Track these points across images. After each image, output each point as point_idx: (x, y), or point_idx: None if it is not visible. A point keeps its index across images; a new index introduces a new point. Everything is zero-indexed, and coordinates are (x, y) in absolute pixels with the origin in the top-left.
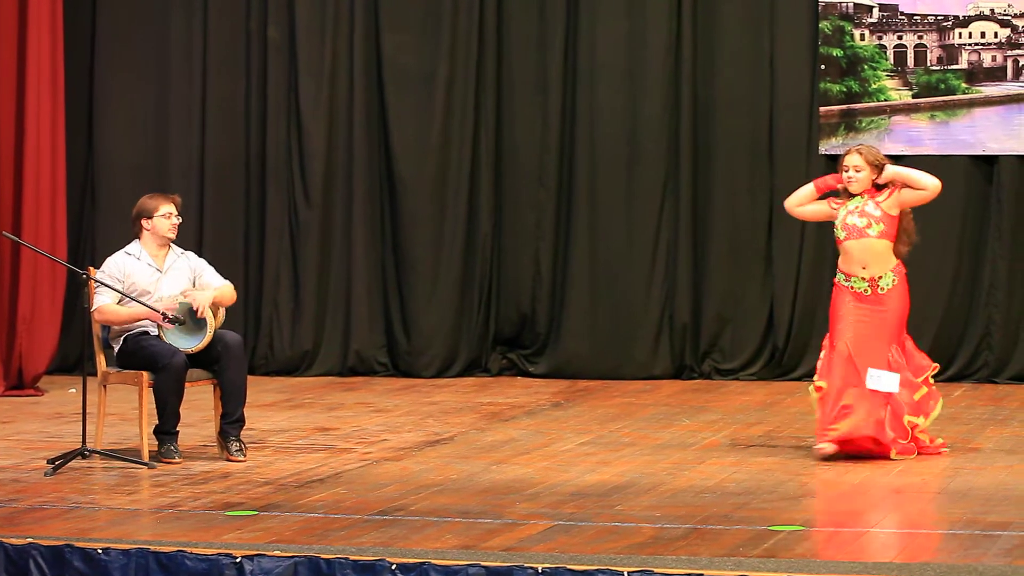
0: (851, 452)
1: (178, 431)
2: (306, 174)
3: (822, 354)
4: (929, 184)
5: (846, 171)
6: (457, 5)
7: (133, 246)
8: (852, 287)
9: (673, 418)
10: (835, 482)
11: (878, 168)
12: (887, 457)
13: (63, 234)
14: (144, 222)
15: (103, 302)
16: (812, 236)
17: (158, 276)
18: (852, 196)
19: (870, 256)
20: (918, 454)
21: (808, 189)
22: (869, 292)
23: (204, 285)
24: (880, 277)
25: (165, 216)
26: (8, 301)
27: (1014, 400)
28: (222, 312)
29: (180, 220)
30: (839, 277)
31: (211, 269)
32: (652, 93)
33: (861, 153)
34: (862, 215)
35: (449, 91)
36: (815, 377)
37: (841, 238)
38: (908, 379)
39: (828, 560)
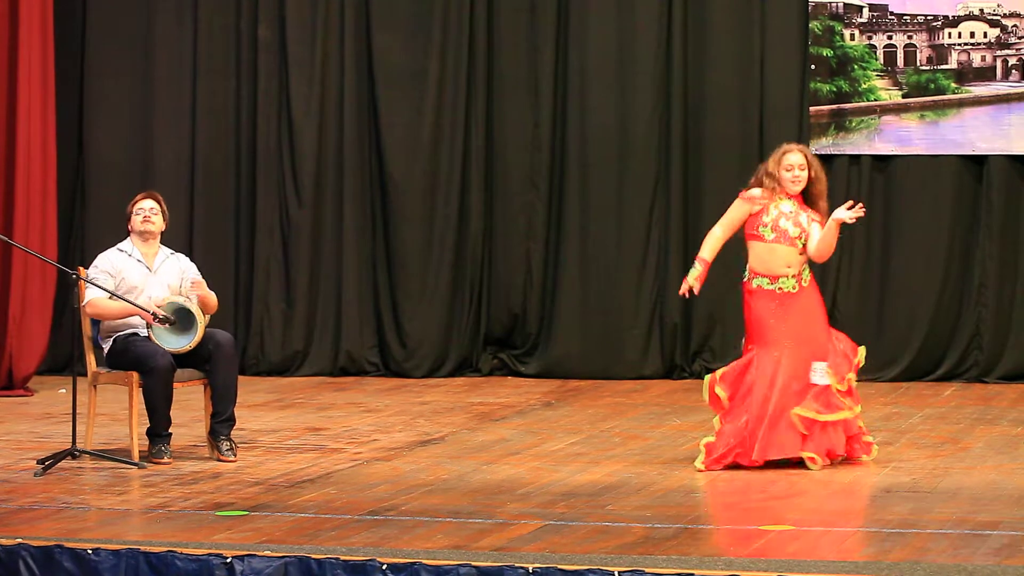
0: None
1: (170, 433)
2: (297, 174)
3: (741, 358)
4: (817, 255)
5: (790, 170)
6: (448, 4)
7: (126, 243)
8: (779, 288)
9: (664, 418)
10: (825, 481)
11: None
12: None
13: (53, 234)
14: (128, 224)
15: (94, 295)
16: None
17: (147, 274)
18: (782, 196)
19: (792, 259)
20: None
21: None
22: (796, 289)
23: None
24: (800, 275)
25: (136, 212)
26: None
27: (1003, 399)
28: (207, 316)
29: (156, 213)
30: (761, 282)
31: (199, 277)
32: (642, 93)
33: (804, 153)
34: (796, 224)
35: (440, 90)
36: (719, 380)
37: (769, 238)
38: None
39: (818, 560)
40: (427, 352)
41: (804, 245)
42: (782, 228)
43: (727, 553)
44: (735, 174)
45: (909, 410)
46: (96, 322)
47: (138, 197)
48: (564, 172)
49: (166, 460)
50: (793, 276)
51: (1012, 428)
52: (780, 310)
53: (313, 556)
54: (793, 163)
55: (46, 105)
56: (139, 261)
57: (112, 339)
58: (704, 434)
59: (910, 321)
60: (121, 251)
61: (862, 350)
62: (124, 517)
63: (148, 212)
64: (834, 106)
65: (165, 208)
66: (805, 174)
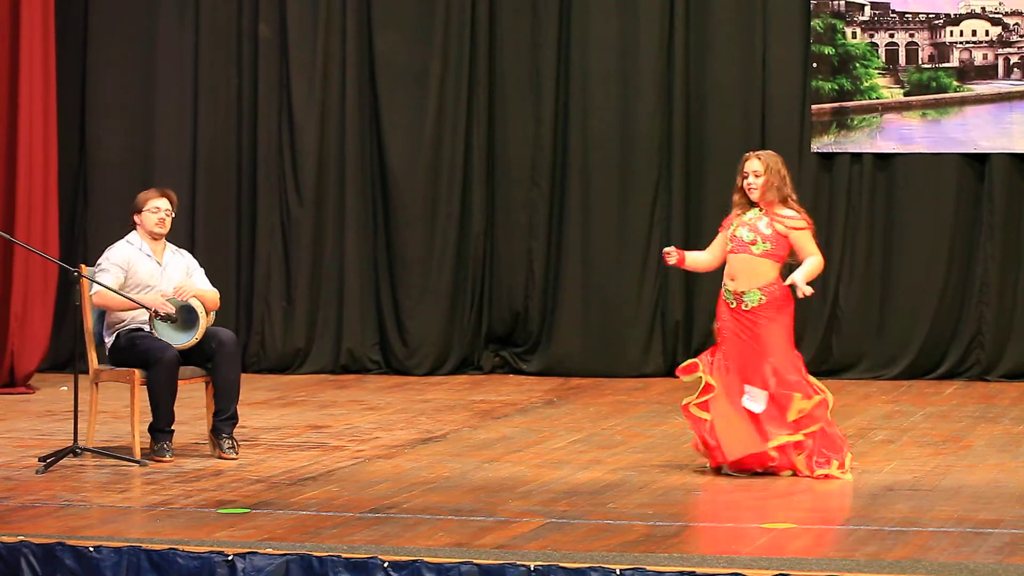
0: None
1: (173, 430)
2: (298, 172)
3: (704, 357)
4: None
5: (746, 177)
6: (449, 3)
7: (133, 236)
8: (724, 296)
9: (665, 416)
10: (826, 479)
11: (781, 176)
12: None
13: (55, 232)
14: (136, 216)
15: (102, 287)
16: None
17: (158, 268)
18: (752, 205)
19: (740, 268)
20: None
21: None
22: (735, 305)
23: (191, 286)
24: (743, 293)
25: (152, 211)
26: (0, 299)
27: (1005, 398)
28: (212, 313)
29: (171, 216)
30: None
31: (202, 272)
32: (644, 92)
33: (760, 158)
34: (752, 229)
35: (441, 90)
36: (703, 369)
37: (728, 249)
38: (782, 396)
39: (820, 557)
40: (429, 350)
41: (764, 252)
42: (738, 237)
43: (729, 551)
44: (737, 172)
45: (911, 408)
46: (101, 315)
47: (153, 193)
48: (566, 171)
49: (168, 458)
50: (732, 291)
51: (1014, 426)
52: (726, 319)
53: (315, 554)
54: (748, 170)
55: (47, 102)
56: (148, 255)
57: (115, 335)
58: None
59: (912, 319)
60: (131, 244)
61: (829, 396)
62: (126, 514)
63: (164, 214)
64: (836, 104)
65: (175, 208)
66: (760, 181)
